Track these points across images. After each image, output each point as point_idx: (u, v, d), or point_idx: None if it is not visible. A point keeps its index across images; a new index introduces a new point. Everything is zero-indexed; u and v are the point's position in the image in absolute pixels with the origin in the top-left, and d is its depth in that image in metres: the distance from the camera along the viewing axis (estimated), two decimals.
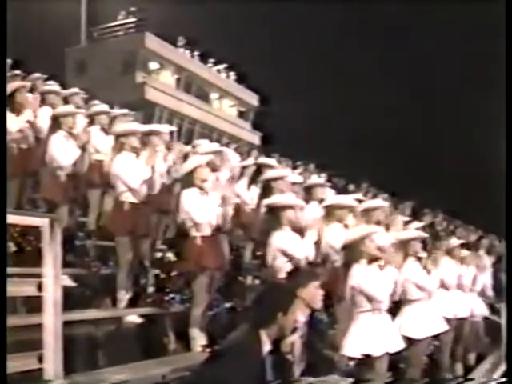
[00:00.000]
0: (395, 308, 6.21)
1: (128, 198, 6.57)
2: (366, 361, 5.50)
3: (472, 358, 8.70)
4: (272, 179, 7.05)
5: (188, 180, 6.28)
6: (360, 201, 7.58)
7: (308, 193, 7.64)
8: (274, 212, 6.14)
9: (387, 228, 7.17)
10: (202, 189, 6.27)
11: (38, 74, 10.23)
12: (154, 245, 7.49)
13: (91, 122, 8.16)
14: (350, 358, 5.55)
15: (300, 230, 6.36)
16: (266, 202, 6.43)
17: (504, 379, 4.42)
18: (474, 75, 42.18)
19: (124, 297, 6.47)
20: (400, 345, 5.74)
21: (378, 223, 6.73)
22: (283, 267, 5.77)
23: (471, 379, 5.15)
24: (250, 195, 7.67)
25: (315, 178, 8.79)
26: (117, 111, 9.11)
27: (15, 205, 7.06)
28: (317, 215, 6.96)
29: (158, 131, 7.36)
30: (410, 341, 6.11)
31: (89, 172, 7.26)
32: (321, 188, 7.82)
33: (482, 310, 8.86)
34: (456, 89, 43.84)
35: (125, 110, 9.47)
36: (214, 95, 42.48)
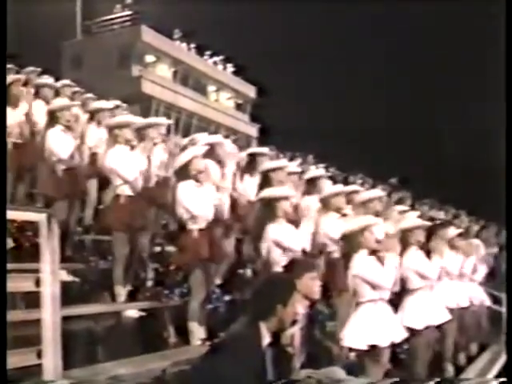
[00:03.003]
0: (396, 299, 6.17)
1: (124, 191, 6.55)
2: (368, 352, 5.47)
3: (474, 347, 8.67)
4: (271, 170, 7.01)
5: (184, 171, 6.25)
6: (357, 192, 7.53)
7: (310, 185, 7.59)
8: (269, 204, 6.09)
9: (385, 218, 7.13)
10: (197, 180, 6.23)
11: (31, 68, 10.18)
12: (152, 239, 7.46)
13: (91, 118, 8.12)
14: (352, 350, 5.52)
15: (295, 222, 6.32)
16: (260, 194, 6.38)
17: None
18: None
19: (121, 291, 6.45)
20: (402, 335, 5.70)
21: (377, 214, 6.68)
22: (278, 260, 5.73)
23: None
24: (243, 186, 7.58)
25: (317, 171, 8.65)
26: (114, 103, 9.05)
27: (10, 199, 7.03)
28: (315, 206, 6.93)
29: (155, 123, 7.30)
30: (412, 332, 6.07)
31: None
32: (323, 180, 7.76)
33: (482, 300, 8.84)
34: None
35: (122, 104, 9.41)
36: (211, 88, 42.37)
